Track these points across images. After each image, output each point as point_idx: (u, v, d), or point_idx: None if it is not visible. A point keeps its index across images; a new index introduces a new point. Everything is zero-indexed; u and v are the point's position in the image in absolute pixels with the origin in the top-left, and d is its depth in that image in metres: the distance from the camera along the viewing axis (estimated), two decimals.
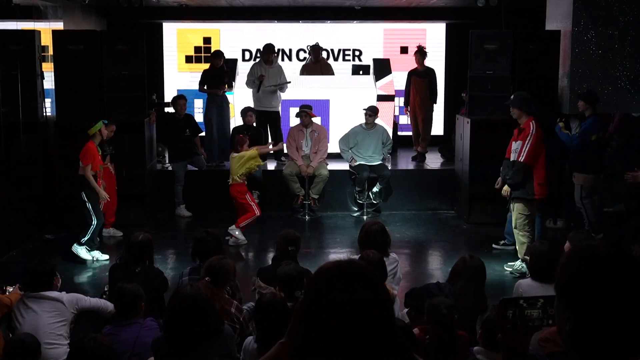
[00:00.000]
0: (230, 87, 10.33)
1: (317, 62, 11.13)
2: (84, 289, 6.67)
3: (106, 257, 7.48)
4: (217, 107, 9.99)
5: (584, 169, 7.76)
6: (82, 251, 7.36)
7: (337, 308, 1.45)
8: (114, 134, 8.11)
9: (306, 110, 9.28)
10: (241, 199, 8.06)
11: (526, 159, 6.73)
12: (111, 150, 8.13)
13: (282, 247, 5.16)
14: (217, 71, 10.00)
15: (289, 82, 10.00)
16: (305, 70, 11.19)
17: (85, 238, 7.34)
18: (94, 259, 7.42)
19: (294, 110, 9.87)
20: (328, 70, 11.19)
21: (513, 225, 6.99)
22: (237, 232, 7.98)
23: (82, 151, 7.33)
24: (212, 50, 10.95)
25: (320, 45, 11.44)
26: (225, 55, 10.41)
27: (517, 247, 7.05)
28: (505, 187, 7.01)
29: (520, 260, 6.93)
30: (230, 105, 10.23)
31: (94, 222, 7.36)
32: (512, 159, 6.91)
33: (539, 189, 6.82)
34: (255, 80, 9.85)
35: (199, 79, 10.13)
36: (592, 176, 7.78)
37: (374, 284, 1.51)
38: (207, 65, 10.39)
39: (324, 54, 12.51)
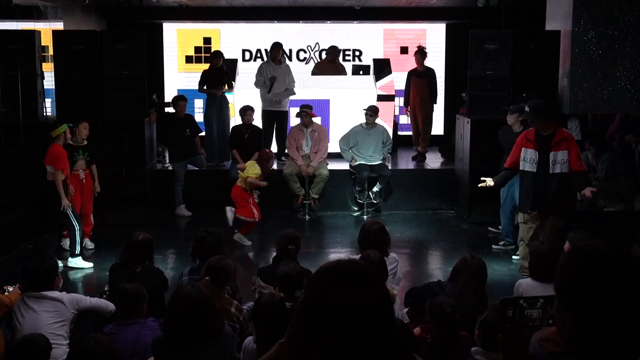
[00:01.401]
0: (230, 87, 10.33)
1: (333, 63, 11.17)
2: (83, 288, 6.69)
3: (90, 264, 7.36)
4: (217, 107, 10.00)
5: None
6: (79, 262, 7.27)
7: (338, 307, 1.45)
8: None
9: (306, 110, 9.29)
10: (241, 201, 8.04)
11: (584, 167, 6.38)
12: (86, 156, 7.77)
13: (282, 246, 5.17)
14: (217, 71, 10.01)
15: (295, 94, 9.98)
16: (319, 70, 11.22)
17: (77, 249, 7.24)
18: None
19: (294, 110, 9.87)
20: (342, 72, 11.25)
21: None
22: (242, 237, 7.99)
23: (50, 155, 7.15)
24: (212, 51, 10.96)
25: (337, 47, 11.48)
26: (225, 55, 10.41)
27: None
28: (489, 181, 6.66)
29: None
30: (230, 105, 10.25)
31: (76, 228, 7.21)
32: (556, 171, 6.22)
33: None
34: (266, 81, 9.84)
35: (198, 79, 10.14)
36: None
37: (374, 283, 1.51)
38: (207, 66, 10.40)
39: (324, 54, 12.54)
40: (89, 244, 7.92)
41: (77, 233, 7.23)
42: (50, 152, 7.22)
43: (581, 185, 6.34)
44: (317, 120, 9.64)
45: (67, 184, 7.32)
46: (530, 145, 6.34)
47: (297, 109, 9.55)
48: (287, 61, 10.75)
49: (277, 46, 10.10)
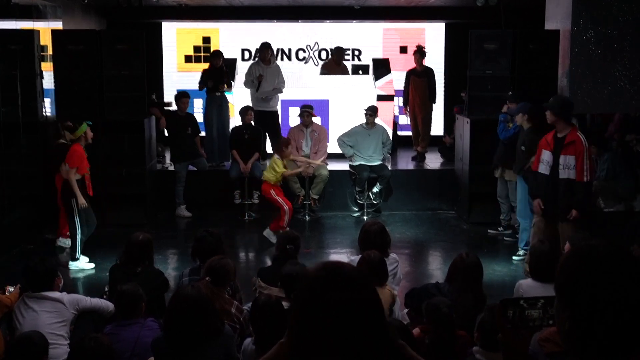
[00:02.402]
0: (230, 86, 10.33)
1: (339, 65, 11.21)
2: (83, 288, 6.69)
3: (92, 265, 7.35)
4: (217, 107, 10.00)
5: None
6: (81, 264, 7.25)
7: (327, 310, 1.46)
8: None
9: (308, 110, 9.29)
10: (268, 196, 8.07)
11: (590, 177, 6.10)
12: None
13: (282, 246, 5.16)
14: (217, 71, 10.01)
15: (281, 91, 9.99)
16: (326, 70, 11.28)
17: (78, 253, 7.22)
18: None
19: (294, 110, 9.87)
20: (346, 74, 11.33)
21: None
22: (271, 236, 7.87)
23: (68, 154, 7.16)
24: (211, 50, 10.97)
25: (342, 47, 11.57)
26: (224, 54, 10.41)
27: None
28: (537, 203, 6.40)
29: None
30: (229, 105, 10.25)
31: (78, 233, 7.18)
32: (563, 175, 6.08)
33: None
34: (254, 80, 9.86)
35: (198, 78, 10.14)
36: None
37: (363, 284, 1.51)
38: (206, 65, 10.41)
39: (324, 54, 12.56)
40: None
41: (78, 238, 7.20)
42: (70, 151, 7.21)
43: (575, 198, 6.08)
44: (316, 120, 9.64)
45: (85, 182, 7.28)
46: (547, 147, 6.20)
47: (297, 109, 9.56)
48: (278, 61, 10.75)
49: (265, 46, 10.10)
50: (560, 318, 1.52)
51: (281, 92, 10.01)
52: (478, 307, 4.26)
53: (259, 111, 9.85)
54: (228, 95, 10.29)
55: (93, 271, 7.23)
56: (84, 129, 7.29)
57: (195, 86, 10.23)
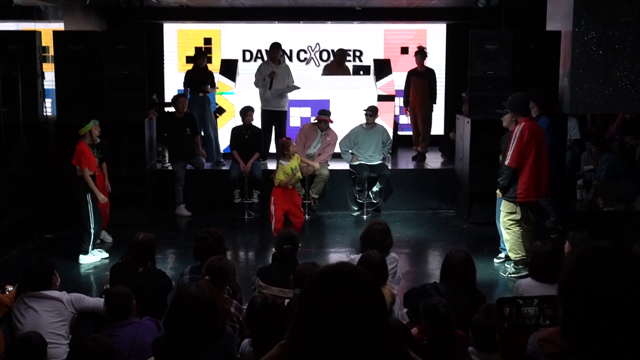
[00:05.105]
0: (213, 86, 10.26)
1: (341, 67, 11.24)
2: (84, 288, 6.68)
3: (106, 255, 7.52)
4: (199, 107, 9.97)
5: None
6: (91, 257, 7.39)
7: (331, 314, 1.46)
8: (103, 134, 8.09)
9: (325, 118, 9.25)
10: (278, 205, 7.84)
11: (510, 162, 6.66)
12: (99, 154, 7.86)
13: (280, 246, 5.16)
14: (201, 71, 10.00)
15: (299, 88, 9.98)
16: (328, 71, 11.31)
17: (90, 247, 7.35)
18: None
19: (296, 110, 9.87)
20: (347, 75, 11.37)
21: (501, 222, 6.93)
22: None
23: (76, 154, 7.20)
24: (212, 51, 10.96)
25: (344, 49, 11.63)
26: (225, 55, 10.42)
27: (506, 246, 6.98)
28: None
29: (511, 261, 6.91)
30: (230, 105, 10.23)
31: (92, 228, 7.30)
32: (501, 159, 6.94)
33: (523, 192, 6.69)
34: (266, 78, 9.81)
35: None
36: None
37: (366, 287, 1.51)
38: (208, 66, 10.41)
39: (325, 55, 12.56)
40: (108, 237, 8.16)
41: (93, 234, 7.32)
42: (76, 151, 7.25)
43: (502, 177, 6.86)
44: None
45: (95, 180, 7.37)
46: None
47: (299, 109, 9.57)
48: (287, 61, 10.73)
49: (276, 46, 10.09)
50: (563, 319, 1.51)
51: (298, 87, 9.94)
52: (476, 306, 4.25)
53: (268, 110, 9.84)
54: (229, 96, 10.28)
55: (108, 260, 7.32)
56: (90, 126, 7.34)
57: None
